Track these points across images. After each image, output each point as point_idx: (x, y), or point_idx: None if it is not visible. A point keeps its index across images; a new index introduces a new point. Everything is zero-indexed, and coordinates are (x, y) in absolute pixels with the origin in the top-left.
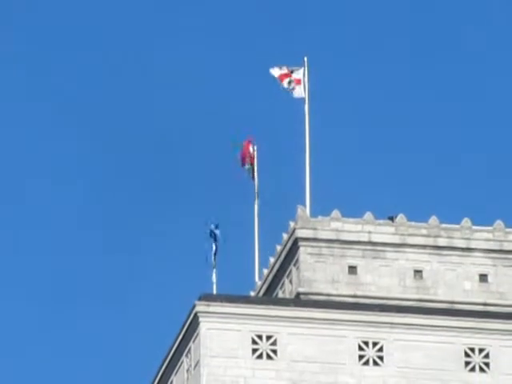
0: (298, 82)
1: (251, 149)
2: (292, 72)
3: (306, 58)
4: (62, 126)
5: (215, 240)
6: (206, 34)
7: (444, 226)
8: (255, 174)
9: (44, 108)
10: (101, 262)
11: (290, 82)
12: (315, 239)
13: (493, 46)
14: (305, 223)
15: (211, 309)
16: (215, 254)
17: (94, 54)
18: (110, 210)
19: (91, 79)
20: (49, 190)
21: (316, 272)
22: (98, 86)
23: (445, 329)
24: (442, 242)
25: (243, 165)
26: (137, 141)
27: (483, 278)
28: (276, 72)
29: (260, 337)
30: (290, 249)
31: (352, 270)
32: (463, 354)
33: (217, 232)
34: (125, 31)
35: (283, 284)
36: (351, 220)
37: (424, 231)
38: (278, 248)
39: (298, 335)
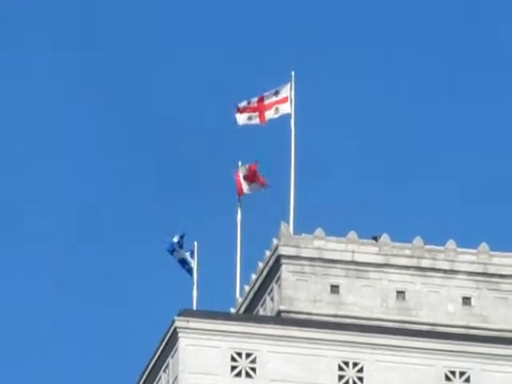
0: (285, 100)
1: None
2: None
3: (292, 73)
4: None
5: (174, 251)
6: (191, 48)
7: (428, 247)
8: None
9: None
10: (80, 273)
11: (249, 117)
12: (298, 257)
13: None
14: (288, 240)
15: (191, 325)
16: (185, 266)
17: (94, 51)
18: (95, 220)
19: (90, 77)
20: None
21: (298, 290)
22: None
23: (426, 351)
24: (425, 263)
25: (239, 195)
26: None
27: (466, 300)
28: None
29: (239, 354)
30: (272, 266)
31: (334, 289)
32: (444, 376)
33: (176, 242)
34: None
35: (264, 301)
36: (334, 239)
37: (408, 252)
38: (260, 265)
39: (277, 353)
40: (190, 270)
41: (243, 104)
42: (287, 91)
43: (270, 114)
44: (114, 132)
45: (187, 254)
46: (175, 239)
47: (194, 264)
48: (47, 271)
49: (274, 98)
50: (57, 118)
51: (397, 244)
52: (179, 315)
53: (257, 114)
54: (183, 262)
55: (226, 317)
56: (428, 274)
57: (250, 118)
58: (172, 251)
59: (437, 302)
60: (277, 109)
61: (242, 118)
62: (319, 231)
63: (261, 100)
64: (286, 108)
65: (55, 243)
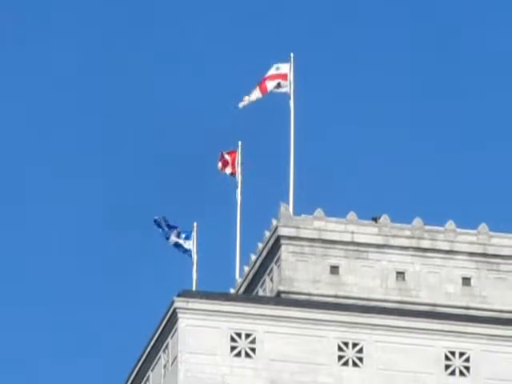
0: (285, 76)
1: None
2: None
3: (292, 54)
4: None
5: (162, 228)
6: (190, 30)
7: (428, 227)
8: (239, 170)
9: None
10: (80, 256)
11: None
12: (297, 238)
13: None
14: (287, 221)
15: (190, 305)
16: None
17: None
18: (97, 202)
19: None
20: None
21: (297, 271)
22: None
23: (426, 331)
24: (425, 243)
25: (222, 170)
26: (121, 136)
27: (466, 281)
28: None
29: (239, 335)
30: (272, 247)
31: (334, 269)
32: (443, 357)
33: (163, 223)
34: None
35: (264, 282)
36: (334, 219)
37: (407, 233)
38: (260, 245)
39: (277, 334)
40: (186, 252)
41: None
42: (287, 69)
43: (271, 86)
44: (112, 112)
45: (181, 237)
46: (164, 225)
47: (191, 245)
48: (50, 253)
49: (275, 72)
50: (54, 115)
51: (396, 225)
52: (179, 296)
53: (258, 89)
54: (178, 246)
55: (226, 297)
56: (428, 254)
57: (250, 95)
58: (167, 238)
59: (436, 282)
60: (278, 83)
61: (243, 103)
62: (319, 212)
63: (262, 84)
64: (286, 86)
65: (56, 229)
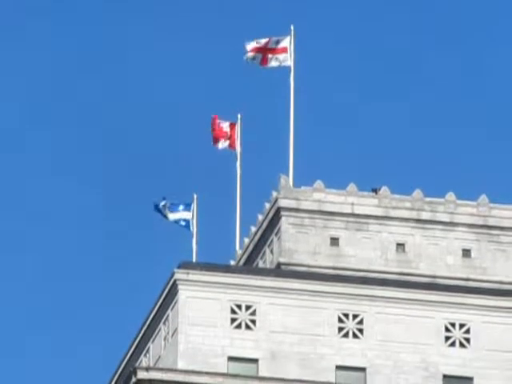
0: (284, 50)
1: (223, 125)
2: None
3: (292, 27)
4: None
5: (161, 213)
6: (189, 4)
7: (428, 199)
8: (238, 142)
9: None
10: (80, 230)
11: (254, 57)
12: (297, 209)
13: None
14: (287, 193)
15: (190, 277)
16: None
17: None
18: (96, 177)
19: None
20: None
21: (297, 243)
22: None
23: (426, 303)
24: (425, 215)
25: (215, 143)
26: (119, 119)
27: (466, 252)
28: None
29: (239, 306)
30: (272, 218)
31: (334, 241)
32: (444, 328)
33: (162, 205)
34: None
35: (264, 254)
36: (334, 191)
37: (408, 204)
38: (260, 217)
39: (277, 306)
40: (186, 224)
41: (252, 44)
42: (287, 43)
43: (271, 61)
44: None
45: (179, 209)
46: (162, 203)
47: (190, 216)
48: (50, 229)
49: (274, 46)
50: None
51: (396, 196)
52: (179, 267)
53: (260, 55)
54: (178, 221)
55: (226, 269)
56: (428, 226)
57: (254, 58)
58: (164, 216)
59: (436, 254)
60: (276, 58)
61: (248, 55)
62: (319, 184)
63: (267, 43)
64: (285, 59)
65: (57, 205)
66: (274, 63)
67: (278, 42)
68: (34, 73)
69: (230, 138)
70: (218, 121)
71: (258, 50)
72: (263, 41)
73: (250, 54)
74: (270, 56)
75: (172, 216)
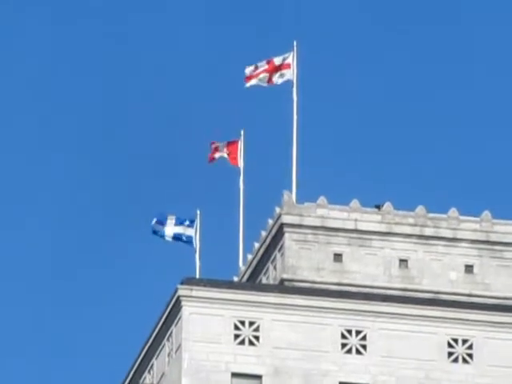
0: (288, 66)
1: (221, 147)
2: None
3: (295, 42)
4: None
5: (159, 235)
6: (192, 17)
7: (431, 215)
8: (241, 157)
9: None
10: (82, 243)
11: (260, 79)
12: (301, 225)
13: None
14: (290, 209)
15: (194, 293)
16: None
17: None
18: (98, 192)
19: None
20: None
21: (301, 259)
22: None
23: (429, 319)
24: (428, 231)
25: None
26: (125, 126)
27: (469, 268)
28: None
29: (243, 322)
30: (275, 234)
31: (337, 257)
32: (446, 344)
33: (160, 228)
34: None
35: (267, 270)
36: (337, 207)
37: (411, 220)
38: (263, 233)
39: (281, 322)
40: (188, 241)
41: (250, 69)
42: (290, 59)
43: (275, 77)
44: (113, 103)
45: (184, 223)
46: (154, 222)
47: (192, 232)
48: (46, 237)
49: (279, 62)
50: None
51: (400, 212)
52: (182, 284)
53: (266, 75)
54: (179, 236)
55: (229, 285)
56: (431, 242)
57: (260, 80)
58: (162, 236)
59: (439, 269)
60: (282, 74)
61: (250, 83)
62: (322, 200)
63: (270, 62)
64: (289, 74)
65: (57, 209)
66: (278, 79)
67: (284, 59)
68: (34, 71)
69: (229, 154)
70: (214, 145)
71: (262, 72)
72: (263, 63)
73: (254, 81)
74: (275, 74)
75: (174, 230)
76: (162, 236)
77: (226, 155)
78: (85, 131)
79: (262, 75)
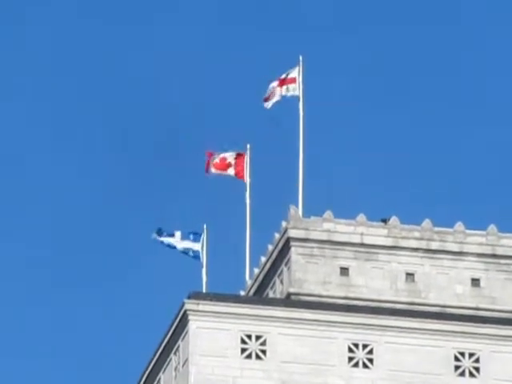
0: (293, 80)
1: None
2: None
3: (301, 57)
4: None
5: (171, 247)
6: (197, 32)
7: (437, 229)
8: (247, 172)
9: None
10: (88, 257)
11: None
12: (307, 239)
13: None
14: (297, 223)
15: (201, 307)
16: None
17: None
18: (101, 204)
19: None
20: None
21: (307, 273)
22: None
23: (435, 332)
24: (434, 245)
25: (207, 171)
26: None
27: (475, 282)
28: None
29: (249, 336)
30: (282, 249)
31: (344, 271)
32: (453, 358)
33: (162, 239)
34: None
35: (274, 284)
36: (343, 221)
37: (417, 234)
38: (270, 247)
39: (287, 336)
40: (195, 256)
41: (268, 93)
42: (296, 73)
43: (283, 90)
44: (115, 112)
45: (189, 238)
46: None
47: (199, 247)
48: (51, 246)
49: (284, 77)
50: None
51: (406, 226)
52: (189, 298)
53: (280, 90)
54: (187, 251)
55: (236, 299)
56: (437, 255)
57: (275, 97)
58: (169, 246)
59: (446, 283)
60: (287, 88)
61: (269, 104)
62: (328, 214)
63: (279, 80)
64: (295, 89)
65: (63, 223)
66: (284, 92)
67: (288, 74)
68: (34, 72)
69: (236, 167)
70: (213, 155)
71: (275, 91)
72: (275, 84)
73: (272, 100)
74: (282, 87)
75: (181, 245)
76: (174, 247)
77: (232, 173)
78: (90, 139)
79: (277, 93)
